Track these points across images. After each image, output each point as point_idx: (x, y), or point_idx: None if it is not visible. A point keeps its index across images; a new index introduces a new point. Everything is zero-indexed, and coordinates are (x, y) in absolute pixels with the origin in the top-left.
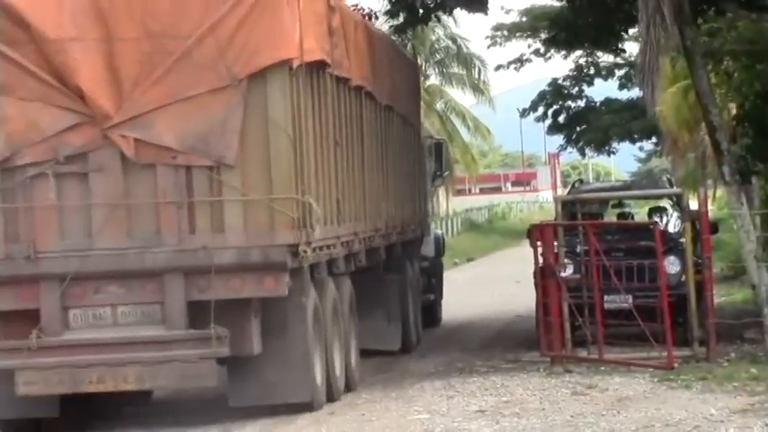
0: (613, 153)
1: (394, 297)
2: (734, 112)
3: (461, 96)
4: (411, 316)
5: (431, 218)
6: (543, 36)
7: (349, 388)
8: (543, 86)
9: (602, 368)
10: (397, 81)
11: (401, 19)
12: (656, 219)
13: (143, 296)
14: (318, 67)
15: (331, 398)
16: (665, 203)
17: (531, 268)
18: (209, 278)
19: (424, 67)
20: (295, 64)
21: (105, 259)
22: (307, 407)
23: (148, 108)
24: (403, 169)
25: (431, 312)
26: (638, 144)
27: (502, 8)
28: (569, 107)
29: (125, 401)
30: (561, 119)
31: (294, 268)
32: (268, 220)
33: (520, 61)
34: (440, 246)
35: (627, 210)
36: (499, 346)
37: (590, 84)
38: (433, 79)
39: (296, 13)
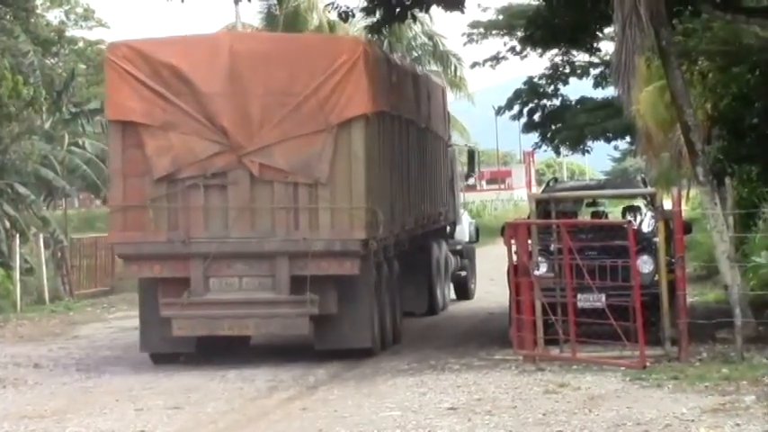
0: (588, 152)
1: (422, 272)
2: (708, 112)
3: None
4: (436, 287)
5: (461, 209)
6: (520, 34)
7: (396, 340)
8: (519, 85)
9: (575, 367)
10: (431, 106)
11: (377, 16)
12: (630, 218)
13: (260, 271)
14: (383, 112)
15: (384, 346)
16: (640, 203)
17: (505, 266)
18: (307, 260)
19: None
20: (370, 114)
21: (235, 245)
22: (368, 351)
23: (269, 142)
24: (435, 173)
25: (464, 287)
26: (612, 143)
27: (479, 6)
28: (544, 105)
29: (234, 344)
30: (536, 117)
31: (364, 255)
32: (348, 222)
33: (496, 59)
34: (473, 232)
35: (601, 209)
36: (472, 343)
37: (565, 82)
38: None
39: (370, 80)
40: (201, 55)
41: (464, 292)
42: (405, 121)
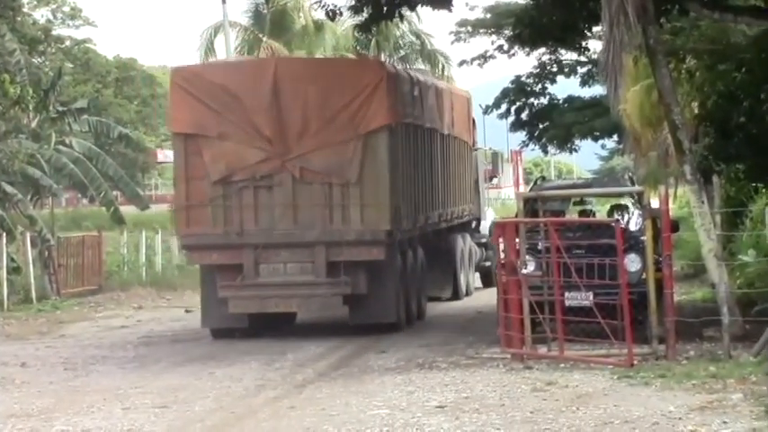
0: (575, 151)
1: (447, 261)
2: (696, 111)
3: None
4: (460, 275)
5: (486, 206)
6: (507, 33)
7: (419, 317)
8: (506, 83)
9: (563, 365)
10: (454, 114)
11: (365, 15)
12: (618, 216)
13: (302, 257)
14: (406, 122)
15: (409, 322)
16: (627, 201)
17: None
18: (341, 248)
19: (387, 63)
20: (393, 125)
21: (280, 236)
22: (395, 326)
23: (308, 150)
24: (458, 174)
25: (489, 276)
26: (600, 142)
27: (466, 4)
28: (532, 104)
29: (276, 322)
30: (524, 116)
31: (389, 243)
32: (375, 216)
33: (483, 57)
34: None
35: (588, 207)
36: (460, 342)
37: (553, 81)
38: None
39: (392, 96)
40: (250, 76)
41: (489, 280)
42: (427, 129)
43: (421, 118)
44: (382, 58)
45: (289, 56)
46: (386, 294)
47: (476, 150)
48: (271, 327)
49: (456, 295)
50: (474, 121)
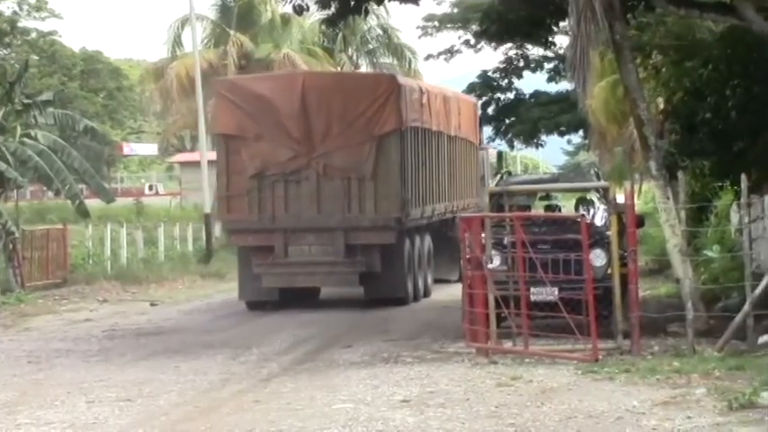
0: (542, 146)
1: (454, 248)
2: (662, 106)
3: None
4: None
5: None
6: (474, 28)
7: (426, 295)
8: (473, 78)
9: (527, 360)
10: (461, 118)
11: (332, 9)
12: (583, 212)
13: (324, 241)
14: (414, 126)
15: (416, 298)
16: (593, 196)
17: None
18: (357, 233)
19: (354, 57)
20: (403, 128)
21: (307, 222)
22: (403, 300)
23: (330, 149)
24: (464, 171)
25: None
26: (566, 137)
27: None
28: (498, 99)
29: (303, 296)
30: (490, 111)
31: (398, 230)
32: (386, 206)
33: (450, 52)
34: None
35: (554, 202)
36: (425, 336)
37: (519, 76)
38: (364, 69)
39: (405, 103)
40: (282, 87)
41: None
42: (435, 132)
43: (428, 122)
44: (349, 53)
45: (315, 70)
46: (396, 273)
47: (482, 150)
48: (298, 300)
49: (461, 278)
50: (480, 123)
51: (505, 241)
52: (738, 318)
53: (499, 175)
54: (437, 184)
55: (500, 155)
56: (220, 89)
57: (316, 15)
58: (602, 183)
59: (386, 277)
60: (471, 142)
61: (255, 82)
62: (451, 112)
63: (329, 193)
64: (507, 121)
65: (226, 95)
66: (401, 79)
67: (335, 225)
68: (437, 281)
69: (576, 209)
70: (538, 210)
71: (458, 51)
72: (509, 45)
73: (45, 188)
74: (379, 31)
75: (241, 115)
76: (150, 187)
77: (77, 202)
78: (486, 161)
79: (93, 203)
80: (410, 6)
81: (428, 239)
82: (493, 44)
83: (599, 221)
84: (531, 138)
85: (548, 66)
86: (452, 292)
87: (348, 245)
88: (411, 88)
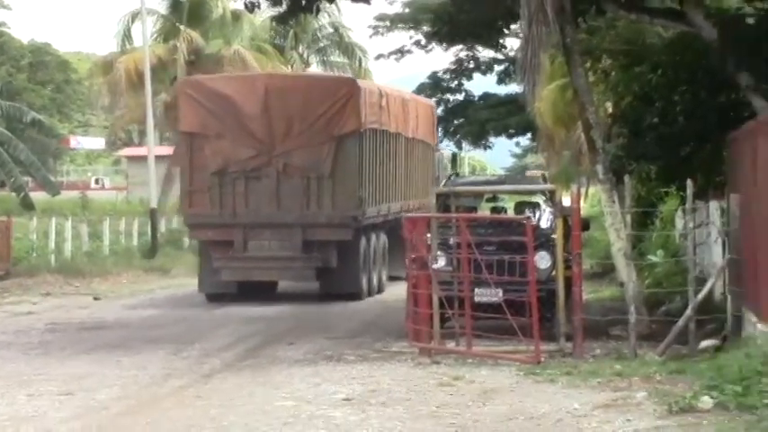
0: (490, 148)
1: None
2: (610, 110)
3: None
4: None
5: None
6: (426, 28)
7: (380, 291)
8: (423, 79)
9: (470, 360)
10: (419, 120)
11: (284, 7)
12: (529, 214)
13: (282, 236)
14: (373, 128)
15: (370, 293)
16: (539, 199)
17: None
18: (315, 229)
19: (305, 55)
20: (361, 130)
21: (266, 218)
22: (357, 295)
23: (290, 149)
24: (420, 172)
25: None
26: (514, 139)
27: None
28: (448, 100)
29: (261, 289)
30: (440, 111)
31: (355, 227)
32: (343, 204)
33: (401, 52)
34: None
35: (500, 204)
36: (368, 335)
37: (469, 78)
38: (315, 67)
39: (364, 105)
40: (245, 87)
41: None
42: (393, 134)
43: (387, 124)
44: (300, 50)
45: (278, 72)
46: (351, 269)
47: (437, 152)
48: (256, 293)
49: None
50: (436, 125)
51: (451, 242)
52: (680, 322)
53: (447, 177)
54: (394, 183)
55: (454, 157)
56: (185, 88)
57: (267, 12)
58: (548, 185)
59: (341, 273)
60: (428, 144)
61: (219, 82)
62: (409, 114)
63: (288, 191)
64: (456, 122)
65: (190, 94)
66: (361, 82)
67: (294, 221)
68: (392, 278)
69: (516, 212)
70: (484, 211)
71: (408, 51)
72: (460, 46)
73: None
74: (331, 30)
75: (204, 114)
76: (96, 181)
77: (22, 194)
78: (441, 162)
79: (38, 196)
80: (361, 5)
81: (383, 237)
82: (443, 45)
83: (544, 224)
84: (479, 139)
85: (498, 68)
86: (401, 291)
87: (305, 241)
88: (370, 91)
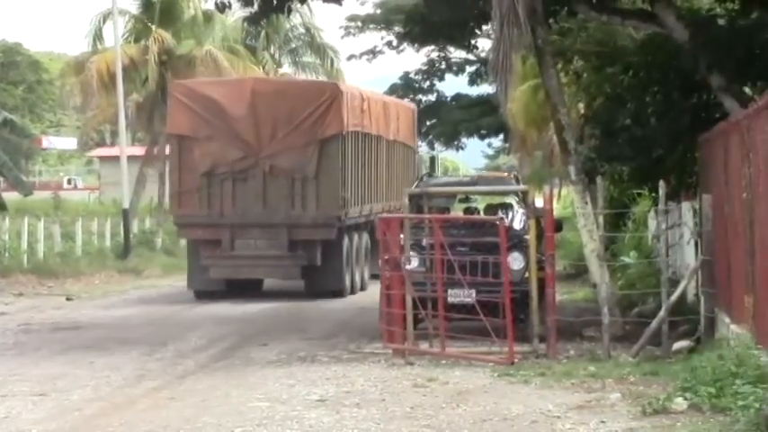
0: (462, 148)
1: None
2: (582, 112)
3: None
4: None
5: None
6: (397, 29)
7: (363, 289)
8: (395, 79)
9: (444, 361)
10: (399, 123)
11: (255, 7)
12: (502, 215)
13: (268, 236)
14: (355, 131)
15: (353, 291)
16: (512, 200)
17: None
18: (300, 229)
19: (277, 55)
20: (344, 132)
21: (253, 218)
22: (340, 292)
23: (276, 151)
24: (401, 173)
25: None
26: (486, 140)
27: None
28: (420, 101)
29: (248, 286)
30: None
31: (338, 227)
32: (327, 204)
33: (373, 53)
34: None
35: (473, 205)
36: (342, 336)
37: (441, 78)
38: (287, 68)
39: (346, 109)
40: (232, 91)
41: None
42: (374, 136)
43: (368, 127)
44: (272, 51)
45: (264, 77)
46: (335, 267)
47: (418, 154)
48: (243, 290)
49: None
50: (416, 128)
51: (424, 243)
52: (654, 324)
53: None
54: (376, 184)
55: (432, 159)
56: (175, 92)
57: (238, 13)
58: (521, 186)
59: (325, 271)
60: (409, 146)
61: (208, 86)
62: (391, 117)
63: (274, 192)
64: (428, 123)
65: (180, 98)
66: (343, 87)
67: (280, 221)
68: (374, 276)
69: (486, 214)
70: (457, 212)
71: (380, 52)
72: (431, 47)
73: None
74: (302, 30)
75: (194, 117)
76: (69, 181)
77: None
78: (420, 164)
79: (10, 196)
80: (333, 6)
81: (366, 237)
82: (415, 46)
83: (517, 225)
84: (451, 140)
85: (469, 69)
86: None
87: (291, 240)
88: (353, 95)
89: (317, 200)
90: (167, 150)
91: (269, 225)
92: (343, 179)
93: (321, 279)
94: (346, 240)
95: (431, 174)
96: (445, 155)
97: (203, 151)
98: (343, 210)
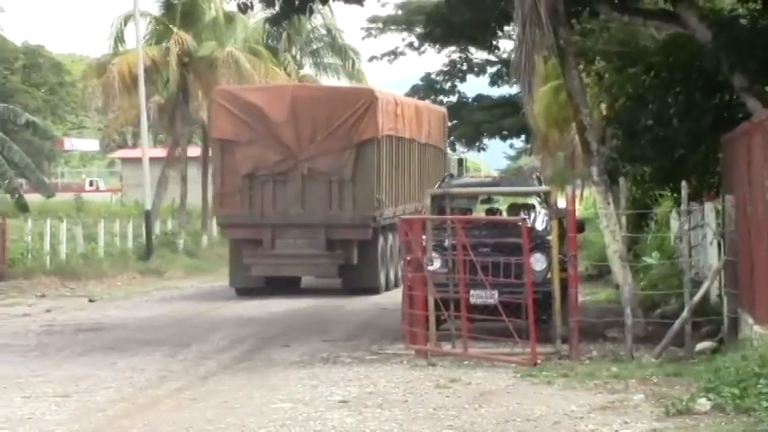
0: (484, 149)
1: None
2: (604, 112)
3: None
4: None
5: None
6: (418, 30)
7: (396, 286)
8: (416, 80)
9: (466, 362)
10: (431, 126)
11: (277, 8)
12: (524, 216)
13: (308, 235)
14: (389, 135)
15: (388, 288)
16: (534, 201)
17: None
18: (337, 229)
19: (298, 57)
20: (379, 137)
21: (293, 218)
22: (376, 290)
23: (315, 154)
24: (432, 175)
25: None
26: (508, 141)
27: (378, 0)
28: (442, 102)
29: (284, 284)
30: None
31: (374, 227)
32: (363, 205)
33: (394, 54)
34: None
35: (495, 206)
36: (364, 337)
37: (462, 79)
38: (308, 69)
39: (381, 114)
40: (273, 97)
41: None
42: (407, 139)
43: (402, 131)
44: (293, 52)
45: (304, 83)
46: (370, 265)
47: (447, 156)
48: (282, 287)
49: None
50: (447, 131)
51: (446, 243)
52: (677, 324)
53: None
54: (408, 186)
55: (461, 160)
56: (217, 98)
57: (260, 14)
58: (544, 187)
59: (362, 269)
60: (440, 148)
61: (249, 92)
62: (422, 121)
63: (313, 193)
64: (450, 124)
65: (222, 104)
66: (379, 93)
67: (318, 221)
68: None
69: (509, 214)
70: (479, 213)
71: (401, 53)
72: (453, 48)
73: None
74: (324, 32)
75: (236, 122)
76: (91, 183)
77: (17, 196)
78: (449, 166)
79: (33, 198)
80: (354, 7)
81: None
82: (437, 47)
83: (540, 226)
84: (473, 141)
85: (491, 69)
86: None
87: (329, 239)
88: (387, 100)
89: (353, 201)
90: (190, 152)
91: (308, 225)
92: (378, 181)
93: (357, 277)
94: (381, 240)
95: (452, 174)
96: (466, 156)
97: (245, 154)
98: (378, 211)
